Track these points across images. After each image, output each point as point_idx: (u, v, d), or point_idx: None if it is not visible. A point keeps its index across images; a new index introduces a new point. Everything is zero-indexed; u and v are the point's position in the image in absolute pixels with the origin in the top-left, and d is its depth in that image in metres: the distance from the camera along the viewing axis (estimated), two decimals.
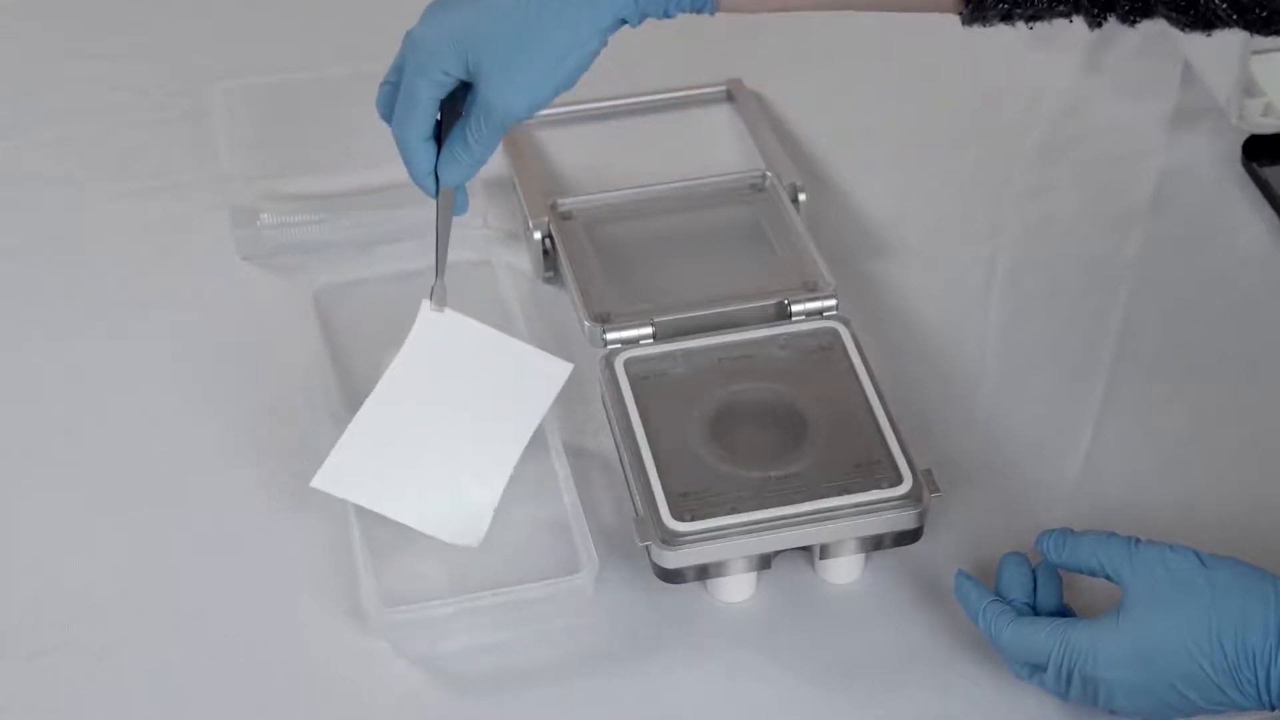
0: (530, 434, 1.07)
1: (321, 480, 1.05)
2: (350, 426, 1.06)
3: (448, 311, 1.07)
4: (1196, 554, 0.93)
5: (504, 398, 1.08)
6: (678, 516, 1.01)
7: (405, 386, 1.07)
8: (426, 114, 1.00)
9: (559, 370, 1.08)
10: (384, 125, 1.03)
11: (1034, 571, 1.00)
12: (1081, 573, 0.98)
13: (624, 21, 1.00)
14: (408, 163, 1.02)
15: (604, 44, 0.99)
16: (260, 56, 1.39)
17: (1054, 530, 0.99)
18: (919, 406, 1.12)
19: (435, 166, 1.02)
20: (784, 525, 1.01)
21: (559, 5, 0.97)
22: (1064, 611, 0.99)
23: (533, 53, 0.98)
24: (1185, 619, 0.91)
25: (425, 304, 1.07)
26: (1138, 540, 0.95)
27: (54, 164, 1.32)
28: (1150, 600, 0.93)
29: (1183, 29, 1.02)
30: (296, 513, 1.09)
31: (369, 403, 1.06)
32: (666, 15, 1.01)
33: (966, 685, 1.00)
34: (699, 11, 1.01)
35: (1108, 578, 0.96)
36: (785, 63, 1.40)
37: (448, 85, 1.00)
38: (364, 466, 1.05)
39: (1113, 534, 0.96)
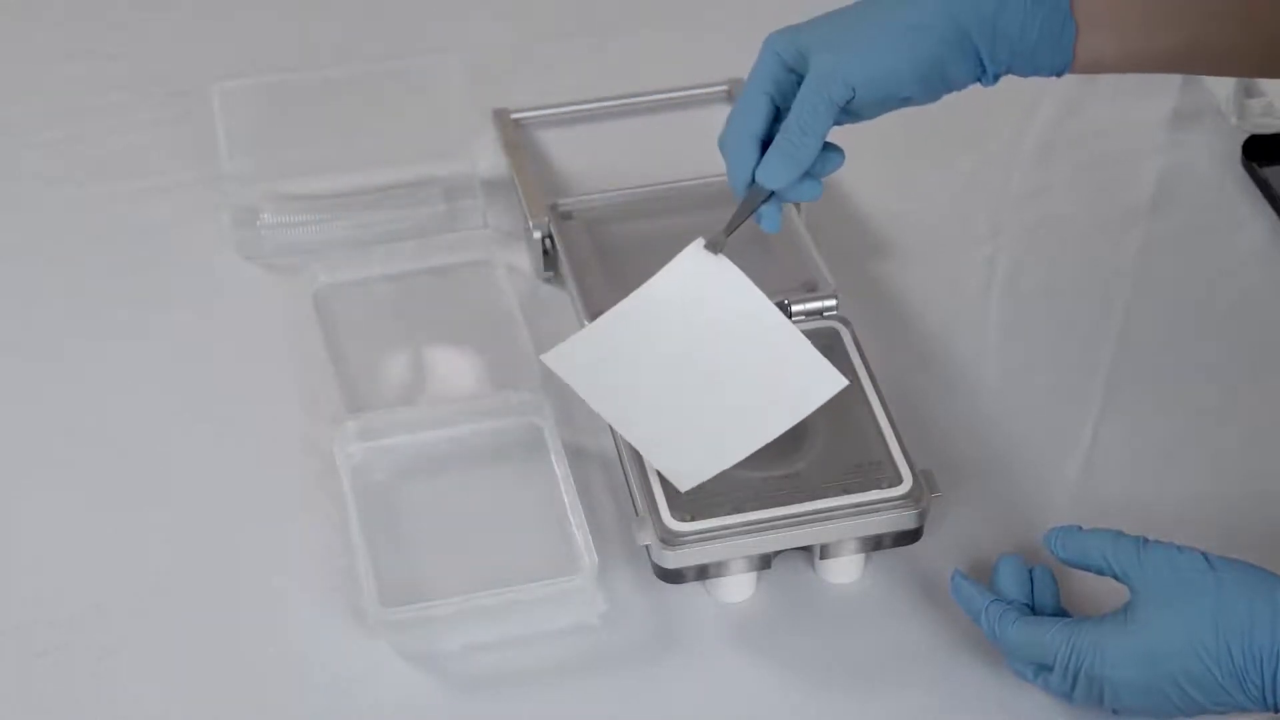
0: (785, 428, 1.03)
1: (553, 358, 1.04)
2: (597, 322, 1.05)
3: (723, 258, 1.06)
4: (1204, 555, 0.93)
5: (767, 374, 1.04)
6: (678, 516, 1.01)
7: (657, 309, 1.05)
8: (753, 106, 1.01)
9: (832, 380, 1.04)
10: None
11: (1030, 573, 1.00)
12: (1088, 570, 0.97)
13: (967, 44, 0.99)
14: (729, 160, 1.02)
15: (950, 52, 0.99)
16: (260, 56, 1.39)
17: (1061, 527, 0.99)
18: (919, 406, 1.12)
19: (755, 169, 1.02)
20: (784, 525, 1.01)
21: (896, 5, 0.99)
22: (1061, 613, 0.99)
23: (864, 32, 0.99)
24: (1193, 620, 0.91)
25: (700, 241, 1.06)
26: (1145, 540, 0.95)
27: (54, 164, 1.32)
28: (1158, 600, 0.93)
29: None
30: (297, 513, 1.09)
31: (618, 308, 1.06)
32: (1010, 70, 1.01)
33: (966, 685, 1.00)
34: (1051, 74, 1.01)
35: (1115, 576, 0.96)
36: None
37: (780, 78, 1.00)
38: (597, 363, 1.04)
39: (1120, 533, 0.96)
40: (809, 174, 1.02)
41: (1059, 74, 1.01)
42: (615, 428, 1.04)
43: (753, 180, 1.02)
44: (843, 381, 1.04)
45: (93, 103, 1.37)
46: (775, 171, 1.01)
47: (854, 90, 0.99)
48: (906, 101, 1.02)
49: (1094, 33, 0.98)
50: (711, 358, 1.05)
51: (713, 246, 1.06)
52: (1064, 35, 0.99)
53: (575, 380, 1.05)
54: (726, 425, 1.04)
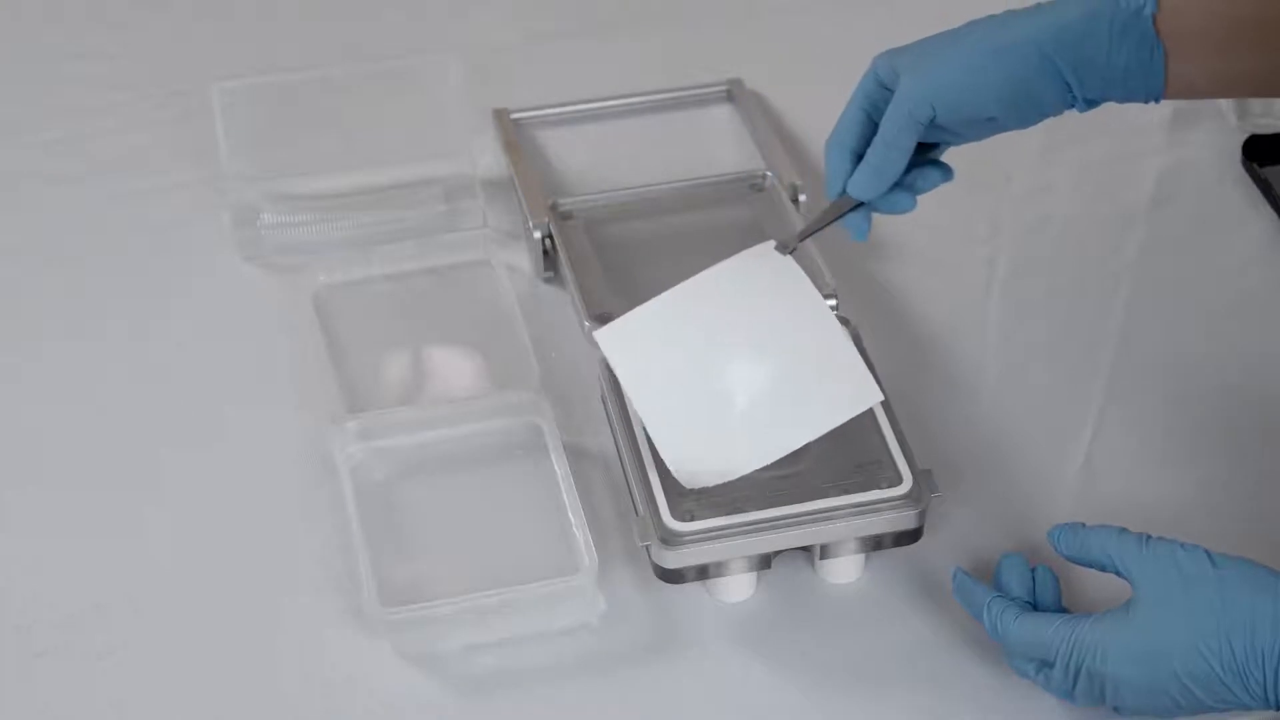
0: (814, 437, 1.03)
1: (605, 335, 1.05)
2: (652, 301, 1.06)
3: (790, 259, 1.07)
4: (1207, 553, 0.93)
5: (803, 381, 1.04)
6: (678, 516, 1.01)
7: (714, 297, 1.06)
8: (850, 120, 1.04)
9: (868, 393, 1.04)
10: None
11: (1033, 571, 1.00)
12: (1091, 567, 0.98)
13: (1056, 75, 1.00)
14: (826, 170, 1.05)
15: (1035, 76, 1.00)
16: (260, 56, 1.39)
17: (1064, 524, 0.99)
18: (919, 406, 1.12)
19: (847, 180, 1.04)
20: (784, 525, 1.01)
21: (989, 28, 1.01)
22: (1063, 612, 0.99)
23: (950, 53, 1.01)
24: (1195, 617, 0.91)
25: (771, 242, 1.07)
26: (1148, 537, 0.95)
27: (54, 164, 1.32)
28: (1160, 597, 0.93)
29: None
30: (297, 513, 1.09)
31: (676, 290, 1.06)
32: (1105, 97, 1.02)
33: (967, 685, 1.00)
34: (1145, 101, 1.02)
35: (1117, 573, 0.96)
36: (785, 63, 1.40)
37: (875, 94, 1.03)
38: (644, 344, 1.05)
39: (1124, 530, 0.96)
40: (904, 187, 1.04)
41: (1154, 100, 1.01)
42: (641, 413, 1.04)
43: (844, 190, 1.04)
44: (879, 396, 1.04)
45: (93, 103, 1.37)
46: (863, 183, 1.03)
47: (934, 109, 1.01)
48: (995, 123, 1.03)
49: (1183, 58, 0.99)
50: (756, 351, 1.05)
51: (783, 247, 1.07)
52: (1153, 62, 0.99)
53: (617, 360, 1.05)
54: (749, 429, 1.03)
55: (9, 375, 1.18)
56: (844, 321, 1.12)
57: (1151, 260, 1.23)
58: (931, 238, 1.26)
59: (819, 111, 1.35)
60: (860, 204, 1.05)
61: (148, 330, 1.21)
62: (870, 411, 1.06)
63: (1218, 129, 1.32)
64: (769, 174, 1.23)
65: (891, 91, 1.03)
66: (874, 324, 1.16)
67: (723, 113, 1.35)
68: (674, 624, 1.03)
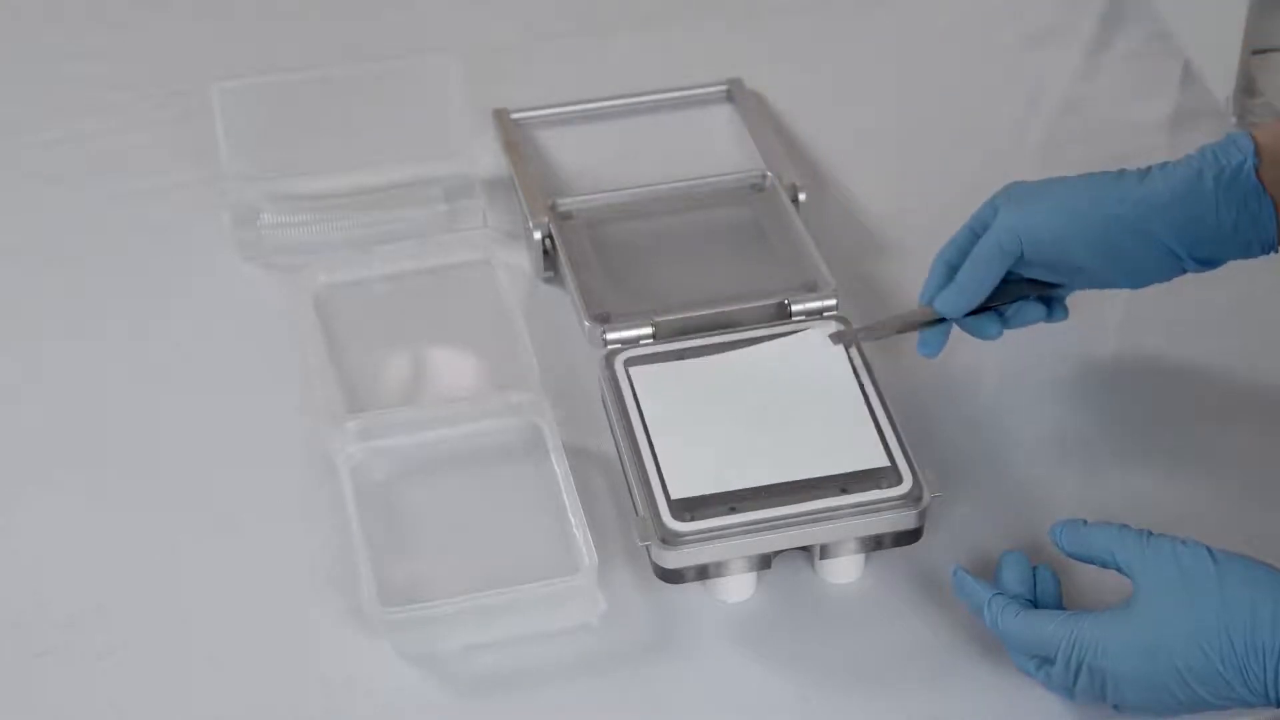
0: (803, 476, 1.04)
1: (637, 370, 1.08)
2: (690, 360, 1.09)
3: (839, 352, 1.09)
4: (1208, 549, 0.93)
5: (814, 435, 1.05)
6: (678, 516, 1.01)
7: (750, 366, 1.09)
8: (959, 237, 1.07)
9: (873, 458, 1.04)
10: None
11: (1034, 569, 1.01)
12: (1092, 563, 0.98)
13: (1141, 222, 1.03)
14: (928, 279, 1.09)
15: (1131, 243, 1.03)
16: (260, 56, 1.39)
17: (1065, 521, 0.99)
18: (919, 406, 1.12)
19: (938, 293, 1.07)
20: (784, 525, 1.01)
21: (1100, 185, 1.04)
22: (1063, 609, 1.00)
23: (1055, 195, 1.04)
24: (1195, 613, 0.91)
25: (827, 328, 1.10)
26: (1149, 534, 0.95)
27: (54, 164, 1.32)
28: (1161, 594, 0.93)
29: None
30: (297, 513, 1.09)
31: (716, 359, 1.09)
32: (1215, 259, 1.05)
33: (967, 685, 1.00)
34: (1260, 255, 1.05)
35: (1118, 569, 0.96)
36: (785, 63, 1.40)
37: (989, 219, 1.06)
38: (669, 387, 1.07)
39: (1125, 526, 0.97)
40: (996, 314, 1.08)
41: (1270, 252, 1.04)
42: (650, 427, 1.05)
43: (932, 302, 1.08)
44: (883, 461, 1.04)
45: (93, 103, 1.37)
46: (948, 300, 1.06)
47: (1021, 243, 1.04)
48: (1094, 275, 1.06)
49: None
50: (775, 408, 1.07)
51: (839, 338, 1.10)
52: (1262, 213, 1.02)
53: (641, 387, 1.07)
54: (750, 455, 1.04)
55: (9, 375, 1.18)
56: (844, 321, 1.12)
57: None
58: (931, 238, 1.25)
59: (819, 111, 1.36)
60: (942, 320, 1.07)
61: (148, 330, 1.21)
62: (870, 411, 1.06)
63: (1218, 129, 1.32)
64: (769, 174, 1.23)
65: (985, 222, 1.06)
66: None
67: (723, 113, 1.35)
68: (674, 624, 1.03)
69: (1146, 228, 1.03)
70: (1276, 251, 1.03)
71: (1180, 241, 1.03)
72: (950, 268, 1.07)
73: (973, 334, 1.09)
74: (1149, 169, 1.05)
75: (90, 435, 1.14)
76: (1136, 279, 1.06)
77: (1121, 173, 1.05)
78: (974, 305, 1.06)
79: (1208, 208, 1.02)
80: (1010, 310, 1.08)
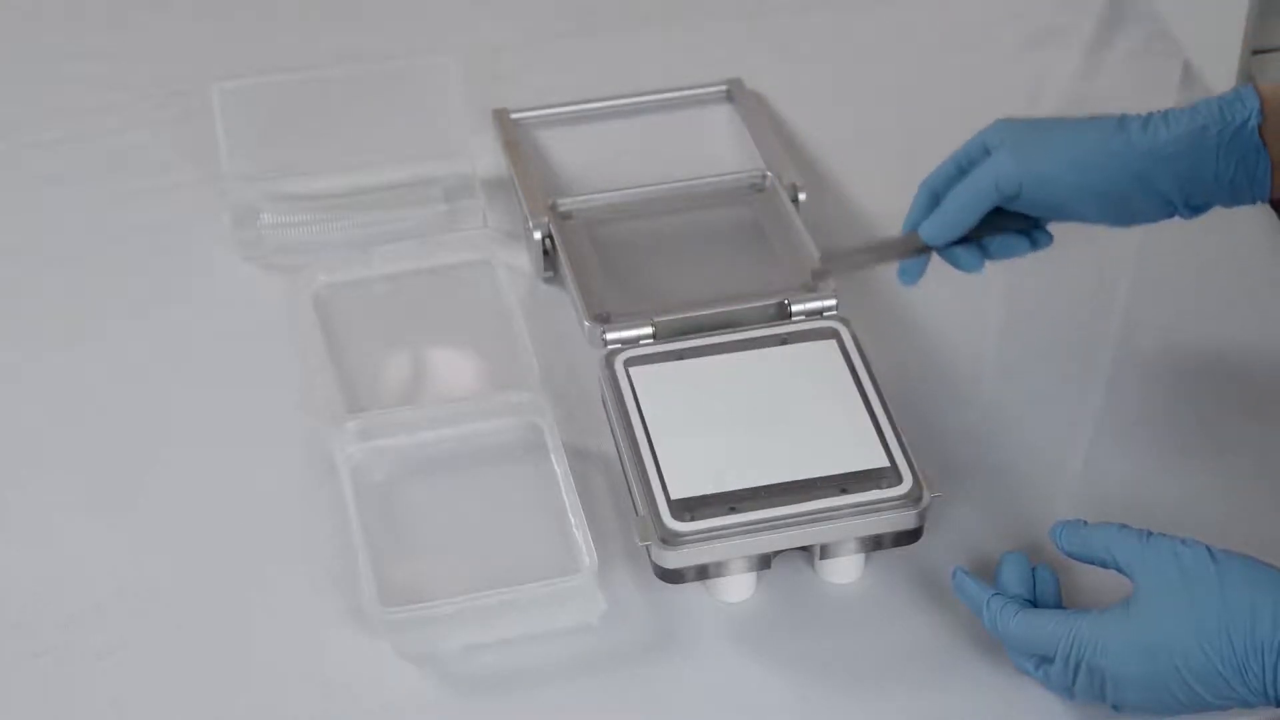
0: (799, 477, 1.04)
1: (637, 370, 1.07)
2: (690, 360, 1.08)
3: (839, 352, 1.09)
4: (1208, 548, 0.93)
5: (812, 434, 1.05)
6: (678, 516, 1.01)
7: (750, 366, 1.09)
8: (944, 168, 1.07)
9: (872, 458, 1.04)
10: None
11: (1033, 569, 1.01)
12: (1092, 563, 0.98)
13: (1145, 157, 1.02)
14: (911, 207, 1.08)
15: (1133, 192, 1.03)
16: (260, 56, 1.39)
17: (1066, 521, 0.99)
18: (919, 406, 1.12)
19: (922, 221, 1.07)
20: (784, 525, 1.01)
21: (1103, 134, 1.03)
22: (1063, 609, 1.00)
23: (1057, 142, 1.03)
24: (1195, 612, 0.91)
25: (830, 343, 1.10)
26: (1149, 533, 0.96)
27: (54, 164, 1.32)
28: (1160, 593, 0.93)
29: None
30: (297, 513, 1.09)
31: (717, 359, 1.09)
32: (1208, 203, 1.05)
33: (967, 684, 1.00)
34: (1251, 203, 1.05)
35: (1118, 569, 0.96)
36: (785, 63, 1.40)
37: (975, 155, 1.05)
38: (670, 384, 1.07)
39: (1124, 526, 0.97)
40: (978, 246, 1.07)
41: (1262, 202, 1.05)
42: (650, 428, 1.05)
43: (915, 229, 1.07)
44: (883, 461, 1.04)
45: (93, 103, 1.37)
46: (932, 228, 1.06)
47: (1021, 189, 1.03)
48: (1083, 217, 1.05)
49: None
50: (775, 408, 1.07)
51: (819, 275, 1.10)
52: (1259, 169, 1.02)
53: (641, 387, 1.07)
54: (750, 455, 1.04)
55: (9, 375, 1.18)
56: (844, 322, 1.12)
57: (1151, 259, 1.23)
58: None
59: (819, 111, 1.36)
60: (926, 250, 1.07)
61: (148, 330, 1.21)
62: (870, 411, 1.06)
63: None
64: (769, 174, 1.23)
65: (990, 155, 1.05)
66: (874, 324, 1.16)
67: (722, 113, 1.35)
68: (674, 624, 1.03)
69: (1149, 178, 1.03)
70: (1266, 202, 1.03)
71: (1179, 191, 1.03)
72: (934, 196, 1.07)
73: (953, 264, 1.07)
74: (1149, 116, 1.04)
75: (90, 435, 1.14)
76: (1125, 221, 1.06)
77: (1123, 119, 1.04)
78: (956, 236, 1.06)
79: (1208, 160, 1.02)
80: (994, 244, 1.07)
